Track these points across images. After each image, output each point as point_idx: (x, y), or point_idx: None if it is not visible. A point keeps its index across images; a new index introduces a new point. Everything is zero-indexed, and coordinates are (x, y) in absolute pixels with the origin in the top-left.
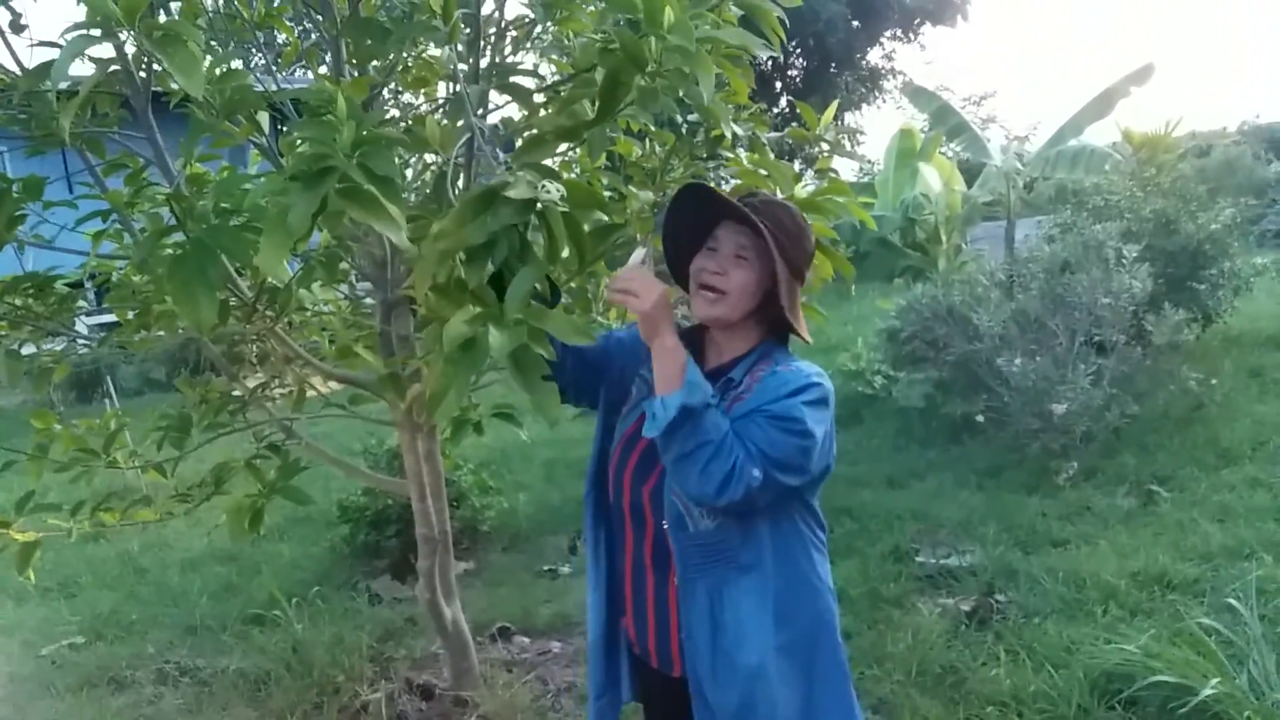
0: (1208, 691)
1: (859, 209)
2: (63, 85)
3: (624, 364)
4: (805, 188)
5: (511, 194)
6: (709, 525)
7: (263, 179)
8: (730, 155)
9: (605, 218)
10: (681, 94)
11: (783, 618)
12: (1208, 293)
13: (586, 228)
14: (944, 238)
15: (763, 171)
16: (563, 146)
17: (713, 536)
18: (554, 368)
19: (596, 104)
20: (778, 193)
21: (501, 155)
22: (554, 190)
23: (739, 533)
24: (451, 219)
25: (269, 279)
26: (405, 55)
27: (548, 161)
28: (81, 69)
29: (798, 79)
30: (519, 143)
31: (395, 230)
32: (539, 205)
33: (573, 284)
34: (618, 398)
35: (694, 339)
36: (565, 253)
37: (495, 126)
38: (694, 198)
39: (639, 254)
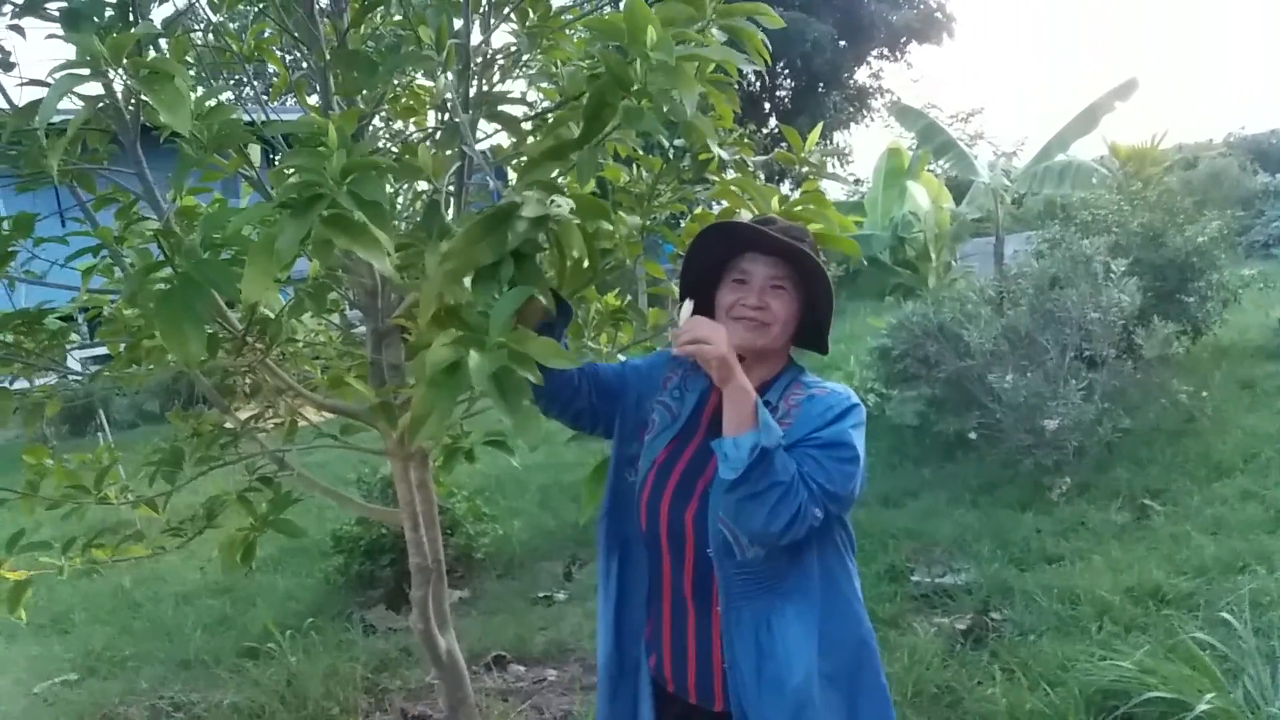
0: (1203, 706)
1: (838, 215)
2: (53, 120)
3: (640, 392)
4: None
5: (526, 212)
6: (758, 553)
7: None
8: (716, 179)
9: (611, 226)
10: (665, 109)
11: (827, 645)
12: (1196, 305)
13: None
14: (933, 255)
15: (745, 195)
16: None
17: (761, 565)
18: (570, 393)
19: (581, 125)
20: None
21: (493, 182)
22: (564, 204)
23: (787, 560)
24: (461, 239)
25: (260, 310)
26: (395, 84)
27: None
28: (71, 104)
29: (786, 100)
30: (510, 170)
31: (380, 256)
32: (550, 222)
33: None
34: (634, 425)
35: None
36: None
37: (484, 154)
38: (719, 235)
39: (688, 307)
